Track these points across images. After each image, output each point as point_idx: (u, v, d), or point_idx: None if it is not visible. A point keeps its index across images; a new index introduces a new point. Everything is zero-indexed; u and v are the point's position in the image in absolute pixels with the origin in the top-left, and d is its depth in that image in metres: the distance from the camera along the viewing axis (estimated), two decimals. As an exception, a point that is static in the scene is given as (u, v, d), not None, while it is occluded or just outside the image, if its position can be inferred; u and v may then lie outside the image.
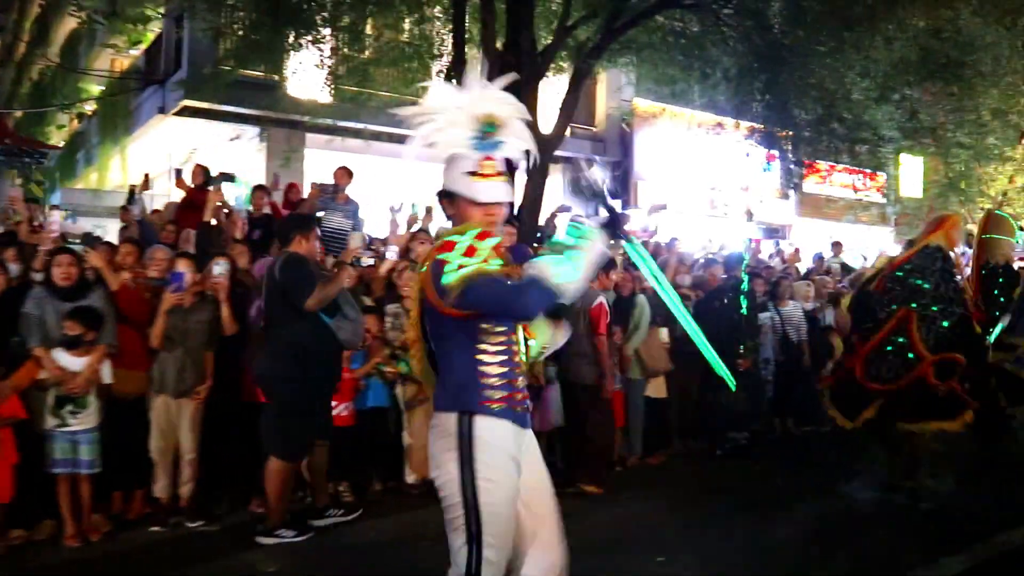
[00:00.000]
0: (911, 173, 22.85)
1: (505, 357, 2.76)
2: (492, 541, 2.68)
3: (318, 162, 16.16)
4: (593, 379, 6.56)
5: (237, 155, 15.94)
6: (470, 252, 2.61)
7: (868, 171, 22.94)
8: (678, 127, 18.23)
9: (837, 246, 12.02)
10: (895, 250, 15.11)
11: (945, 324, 5.98)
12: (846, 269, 11.14)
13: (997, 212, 8.03)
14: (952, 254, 6.27)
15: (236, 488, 6.06)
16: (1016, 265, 7.46)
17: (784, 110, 10.66)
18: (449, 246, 2.64)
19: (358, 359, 6.37)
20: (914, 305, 6.00)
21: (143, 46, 18.02)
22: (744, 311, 7.62)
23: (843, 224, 20.21)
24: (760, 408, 8.66)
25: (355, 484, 6.40)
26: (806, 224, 22.01)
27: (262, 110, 14.10)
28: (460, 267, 2.58)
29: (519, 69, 9.33)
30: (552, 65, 10.44)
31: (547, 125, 18.45)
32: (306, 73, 11.39)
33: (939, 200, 18.62)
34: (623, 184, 19.48)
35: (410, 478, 6.52)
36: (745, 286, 7.66)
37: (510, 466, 2.73)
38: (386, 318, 6.61)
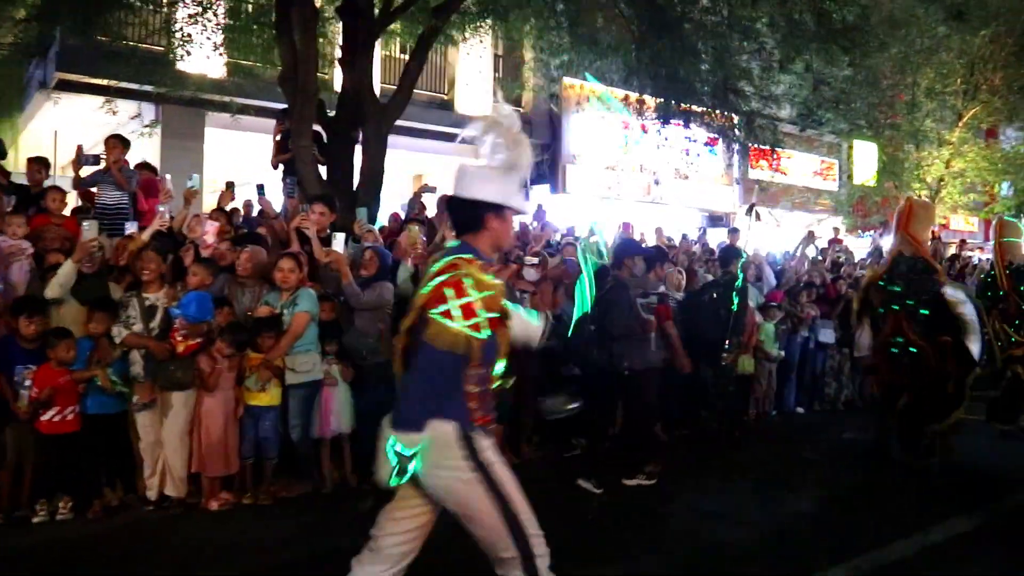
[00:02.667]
0: (865, 159, 21.95)
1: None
2: (532, 530, 2.83)
3: (220, 143, 15.24)
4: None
5: (131, 135, 14.93)
6: (467, 310, 2.76)
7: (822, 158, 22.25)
8: (612, 109, 17.35)
9: (734, 233, 11.07)
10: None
11: (924, 312, 6.73)
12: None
13: (1007, 218, 8.96)
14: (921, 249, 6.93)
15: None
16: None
17: (675, 81, 9.70)
18: (457, 284, 2.77)
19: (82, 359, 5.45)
20: (896, 307, 6.82)
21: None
22: (735, 307, 7.36)
23: (779, 210, 19.17)
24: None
25: (80, 497, 5.44)
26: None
27: (149, 86, 13.05)
28: (447, 314, 2.75)
29: (355, 30, 8.41)
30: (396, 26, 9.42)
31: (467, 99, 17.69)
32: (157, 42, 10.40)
33: (873, 187, 17.73)
34: (551, 168, 18.51)
35: (151, 492, 5.59)
36: (740, 283, 7.42)
37: None
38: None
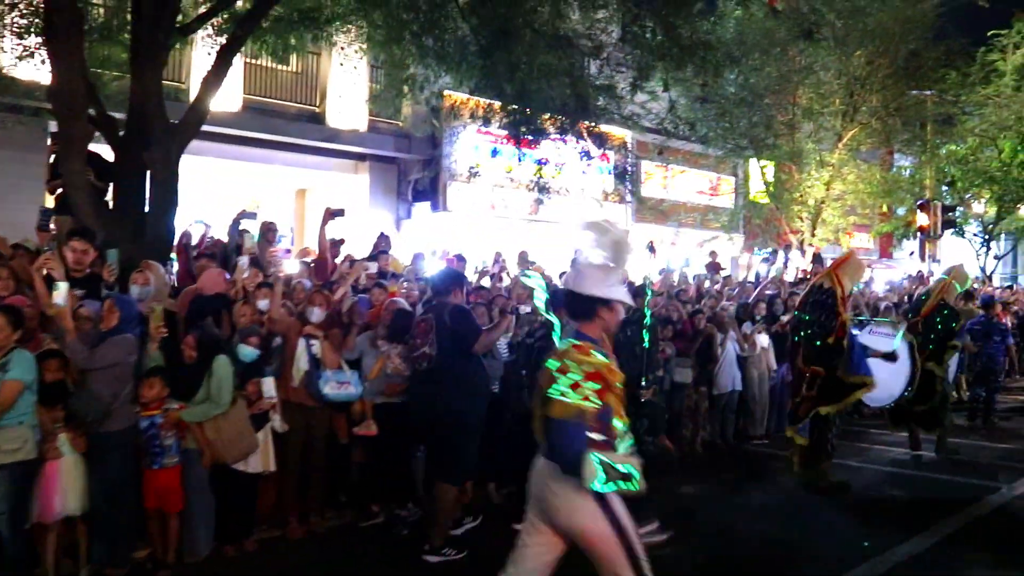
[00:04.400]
0: (760, 177, 21.79)
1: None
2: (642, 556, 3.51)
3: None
4: None
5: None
6: (575, 387, 3.38)
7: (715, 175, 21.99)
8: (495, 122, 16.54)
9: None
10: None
11: (817, 343, 7.54)
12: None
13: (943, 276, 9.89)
14: (839, 288, 7.53)
15: None
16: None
17: (524, 95, 9.04)
18: (563, 369, 3.42)
19: None
20: (803, 333, 7.71)
21: None
22: (647, 344, 7.52)
23: (667, 228, 18.71)
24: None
25: None
26: (645, 230, 20.56)
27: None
28: (562, 394, 3.38)
29: (140, 37, 7.44)
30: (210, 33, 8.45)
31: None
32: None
33: (754, 206, 17.38)
34: (432, 185, 17.67)
35: None
36: (648, 319, 7.48)
37: None
38: None
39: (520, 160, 10.17)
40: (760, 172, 17.02)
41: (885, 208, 21.75)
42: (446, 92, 16.40)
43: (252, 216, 8.86)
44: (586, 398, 3.35)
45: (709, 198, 20.98)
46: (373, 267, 8.02)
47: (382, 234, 9.93)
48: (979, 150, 20.66)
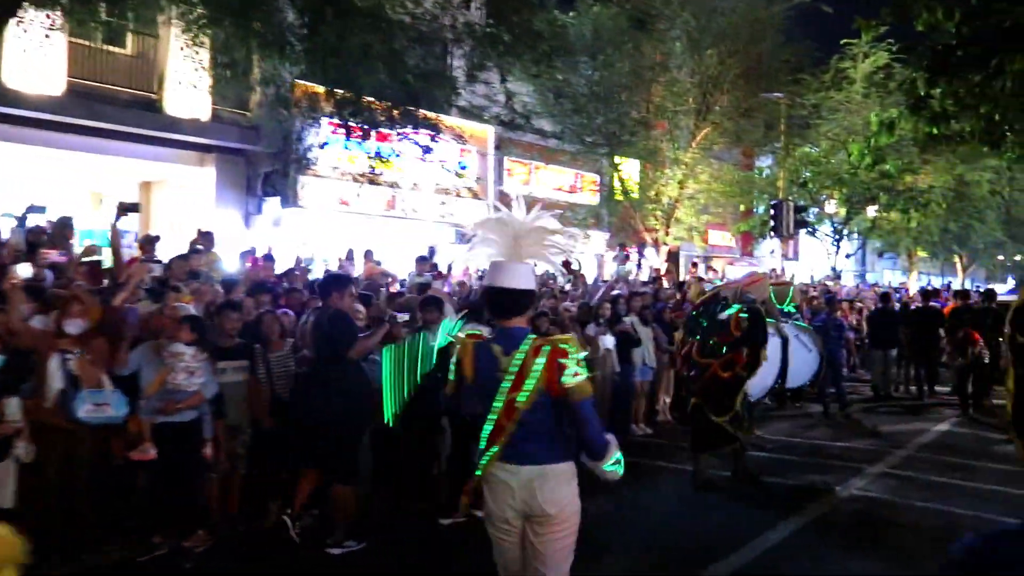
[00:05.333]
0: (625, 176, 21.79)
1: None
2: None
3: None
4: None
5: None
6: (580, 364, 3.24)
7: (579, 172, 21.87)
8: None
9: (422, 262, 9.75)
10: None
11: (711, 341, 7.72)
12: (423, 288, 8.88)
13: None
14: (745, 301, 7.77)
15: None
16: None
17: (350, 81, 8.46)
18: (564, 353, 3.24)
19: None
20: (698, 337, 7.87)
21: None
22: None
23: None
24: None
25: None
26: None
27: None
28: (576, 375, 3.19)
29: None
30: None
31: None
32: None
33: (611, 204, 17.30)
34: (283, 179, 16.73)
35: None
36: None
37: None
38: None
39: (347, 149, 9.61)
40: (616, 170, 16.89)
41: (743, 207, 22.17)
42: (297, 81, 15.69)
43: (40, 210, 7.95)
44: (589, 379, 3.27)
45: (569, 195, 20.82)
46: (158, 269, 7.23)
47: (200, 231, 9.13)
48: (831, 153, 21.31)
